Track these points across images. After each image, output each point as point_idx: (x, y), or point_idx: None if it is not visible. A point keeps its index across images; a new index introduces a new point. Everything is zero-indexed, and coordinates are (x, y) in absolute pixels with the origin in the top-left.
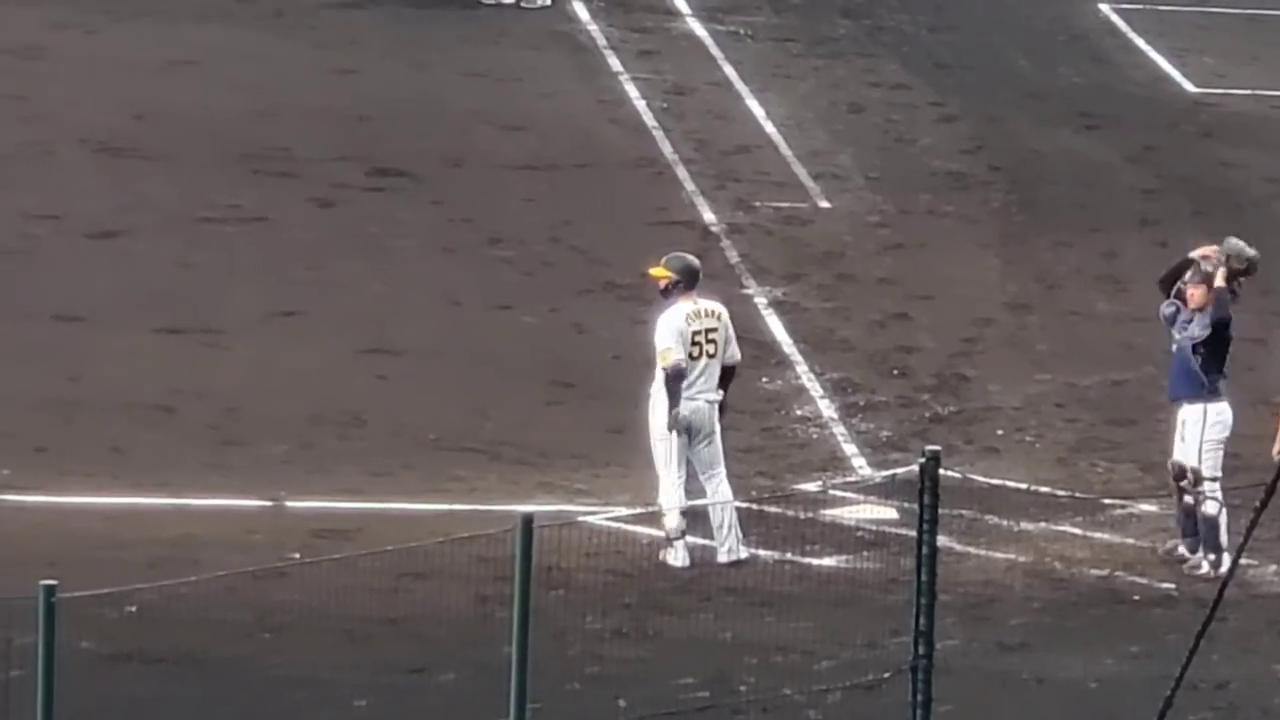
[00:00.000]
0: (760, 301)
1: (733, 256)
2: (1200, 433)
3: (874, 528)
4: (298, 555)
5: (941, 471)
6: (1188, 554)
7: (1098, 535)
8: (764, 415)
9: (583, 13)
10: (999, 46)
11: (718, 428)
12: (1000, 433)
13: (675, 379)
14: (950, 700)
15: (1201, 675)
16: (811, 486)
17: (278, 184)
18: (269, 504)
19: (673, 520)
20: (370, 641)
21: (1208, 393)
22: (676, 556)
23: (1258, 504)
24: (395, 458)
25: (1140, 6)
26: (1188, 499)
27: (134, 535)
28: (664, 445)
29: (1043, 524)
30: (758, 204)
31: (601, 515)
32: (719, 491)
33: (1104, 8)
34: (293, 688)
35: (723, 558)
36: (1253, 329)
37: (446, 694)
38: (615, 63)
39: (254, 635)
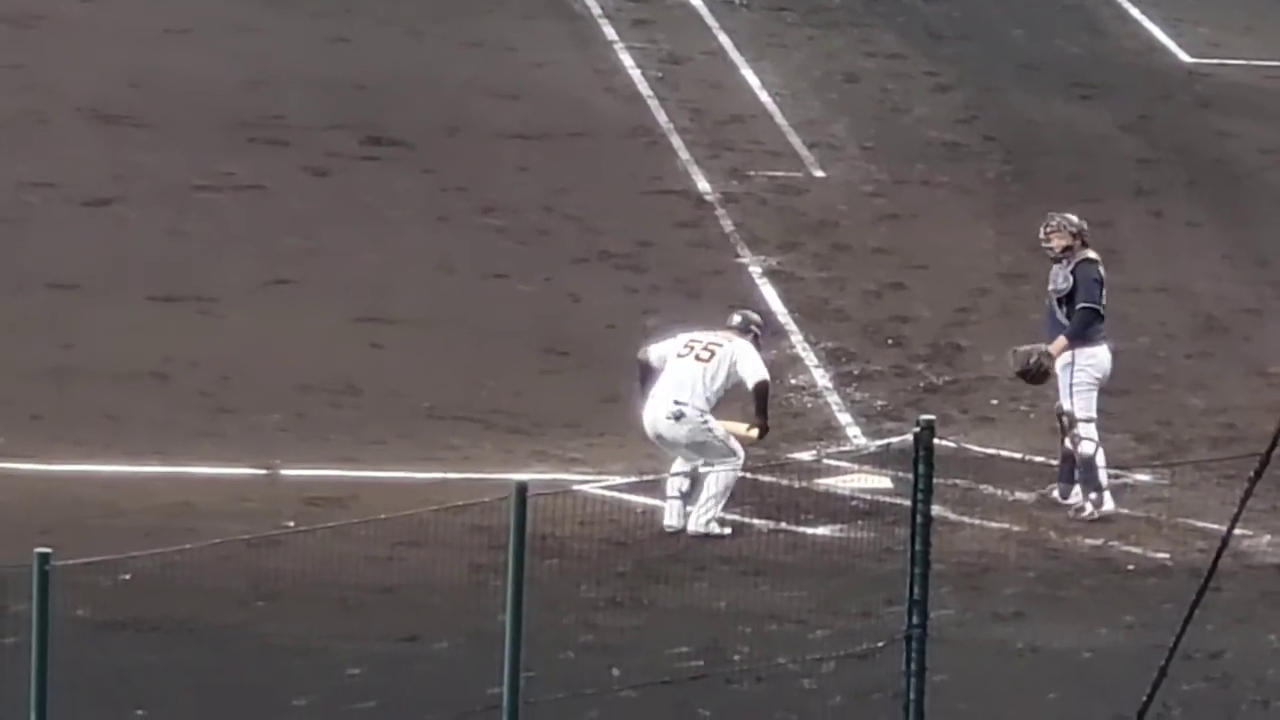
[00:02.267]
0: (755, 271)
1: (727, 226)
2: (1070, 375)
3: (868, 497)
4: (292, 523)
5: (936, 441)
6: (1059, 498)
7: None
8: None
9: None
10: (994, 16)
11: (689, 435)
12: (995, 402)
13: (640, 369)
14: (944, 670)
15: (1196, 645)
16: (806, 455)
17: (272, 152)
18: (263, 472)
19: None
20: (364, 610)
21: (1082, 338)
22: (666, 515)
23: (1252, 475)
24: (389, 426)
25: None
26: (1067, 443)
27: (129, 503)
28: None
29: (1037, 493)
30: (752, 173)
31: (596, 484)
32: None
33: None
34: (287, 656)
35: (689, 526)
36: (1248, 300)
37: (440, 662)
38: (610, 31)
39: (248, 603)
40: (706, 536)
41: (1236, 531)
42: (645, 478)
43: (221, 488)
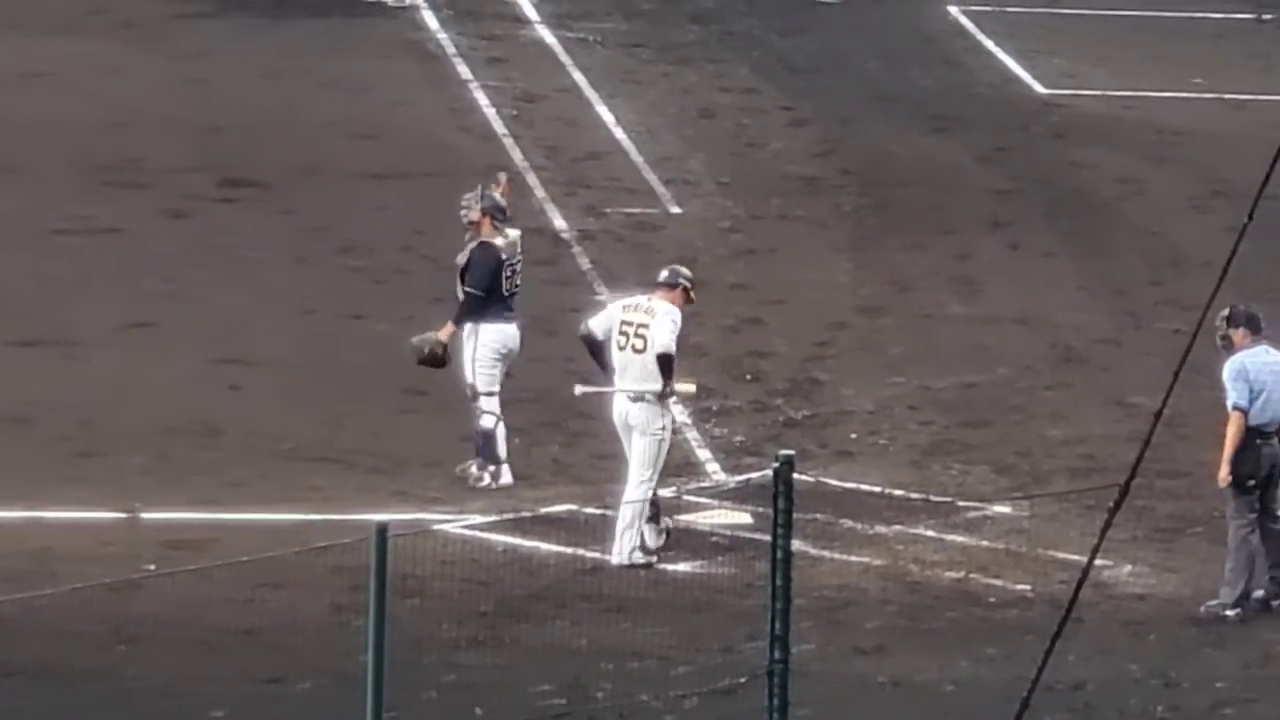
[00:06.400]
0: None
1: (584, 263)
2: (473, 350)
3: (729, 533)
4: (153, 567)
5: (795, 475)
6: (475, 470)
7: (952, 537)
8: None
9: (432, 21)
10: (849, 50)
11: (644, 425)
12: (854, 436)
13: (586, 344)
14: (807, 704)
15: (1057, 677)
16: (666, 492)
17: (130, 195)
18: (125, 515)
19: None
20: (227, 652)
21: (479, 316)
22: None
23: (1112, 505)
24: (250, 468)
25: (989, 8)
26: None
27: None
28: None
29: (897, 527)
30: (608, 210)
31: (456, 523)
32: (624, 494)
33: (953, 10)
34: (149, 699)
35: (613, 559)
36: (1106, 330)
37: (303, 703)
38: (465, 70)
39: (110, 647)
40: (632, 566)
41: (1097, 562)
42: (505, 516)
43: (83, 532)
